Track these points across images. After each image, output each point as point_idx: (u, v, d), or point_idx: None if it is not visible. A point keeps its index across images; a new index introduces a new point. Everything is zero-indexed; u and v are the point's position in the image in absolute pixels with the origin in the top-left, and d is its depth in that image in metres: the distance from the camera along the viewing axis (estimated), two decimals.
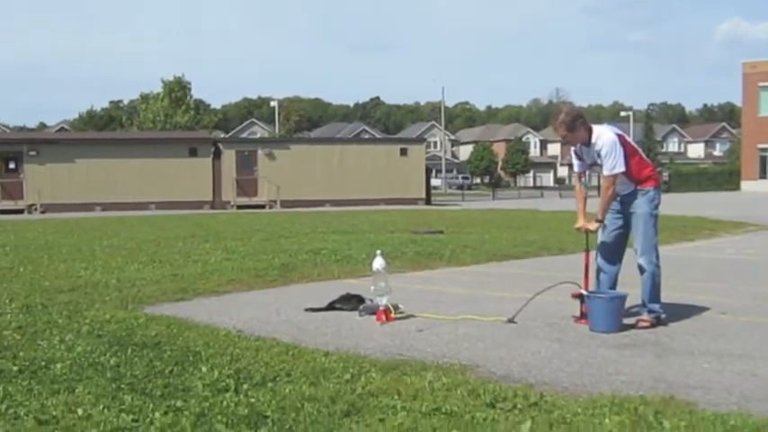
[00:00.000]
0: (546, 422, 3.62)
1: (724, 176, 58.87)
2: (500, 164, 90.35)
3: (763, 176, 52.74)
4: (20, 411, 3.83)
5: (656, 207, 6.22)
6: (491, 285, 8.52)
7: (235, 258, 10.98)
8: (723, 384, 4.36)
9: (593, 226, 6.26)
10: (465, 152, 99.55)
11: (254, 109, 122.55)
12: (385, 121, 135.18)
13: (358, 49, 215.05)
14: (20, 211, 33.19)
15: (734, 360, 4.92)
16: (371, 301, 6.54)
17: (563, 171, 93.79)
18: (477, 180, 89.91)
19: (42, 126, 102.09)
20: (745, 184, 53.01)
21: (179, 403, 3.91)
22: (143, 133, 54.81)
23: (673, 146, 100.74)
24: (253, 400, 3.97)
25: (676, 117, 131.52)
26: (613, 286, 6.32)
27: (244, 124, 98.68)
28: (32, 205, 34.00)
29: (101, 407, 3.87)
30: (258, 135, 78.79)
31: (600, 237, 6.34)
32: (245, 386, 4.23)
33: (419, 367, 4.66)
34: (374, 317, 6.33)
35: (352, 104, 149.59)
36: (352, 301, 6.83)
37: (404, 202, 35.66)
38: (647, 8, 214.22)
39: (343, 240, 13.99)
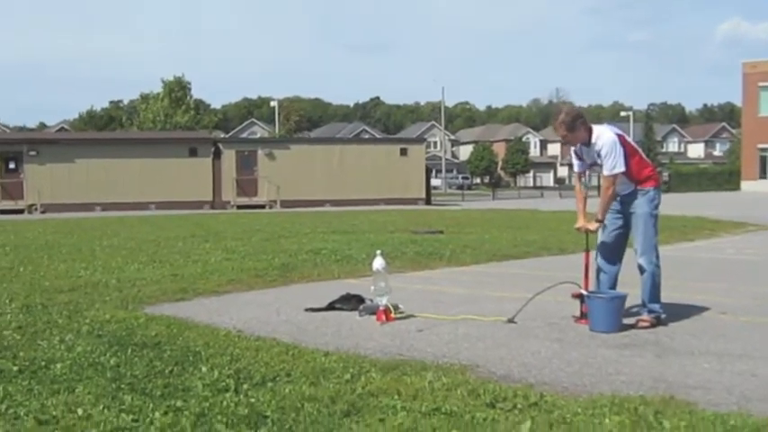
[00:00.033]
0: (546, 422, 3.62)
1: (724, 176, 58.89)
2: (500, 164, 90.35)
3: (763, 176, 52.75)
4: (20, 411, 3.83)
5: (656, 207, 6.22)
6: (491, 285, 8.52)
7: (235, 258, 10.98)
8: (723, 384, 4.36)
9: (593, 226, 6.26)
10: (465, 152, 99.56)
11: (254, 109, 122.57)
12: (385, 121, 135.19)
13: (358, 49, 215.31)
14: (20, 211, 33.20)
15: (734, 360, 4.92)
16: (371, 301, 6.54)
17: (563, 171, 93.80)
18: (477, 180, 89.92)
19: (42, 126, 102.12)
20: (745, 184, 53.02)
21: (179, 403, 3.91)
22: (143, 133, 54.81)
23: (673, 146, 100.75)
24: (253, 400, 3.97)
25: (676, 117, 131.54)
26: (613, 286, 6.32)
27: (244, 124, 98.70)
28: (32, 205, 34.00)
29: (101, 407, 3.87)
30: (258, 135, 78.81)
31: (600, 237, 6.34)
32: (245, 386, 4.23)
33: (419, 367, 4.66)
34: (374, 317, 6.33)
35: (352, 104, 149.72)
36: (352, 301, 6.83)
37: (404, 202, 35.66)
38: (648, 8, 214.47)
39: (343, 240, 13.99)
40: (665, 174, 56.95)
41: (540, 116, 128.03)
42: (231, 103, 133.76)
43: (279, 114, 72.51)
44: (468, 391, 4.10)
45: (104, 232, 17.55)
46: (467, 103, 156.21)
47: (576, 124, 6.11)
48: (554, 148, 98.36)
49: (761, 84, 52.91)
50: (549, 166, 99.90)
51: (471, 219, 22.41)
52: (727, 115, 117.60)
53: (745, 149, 55.22)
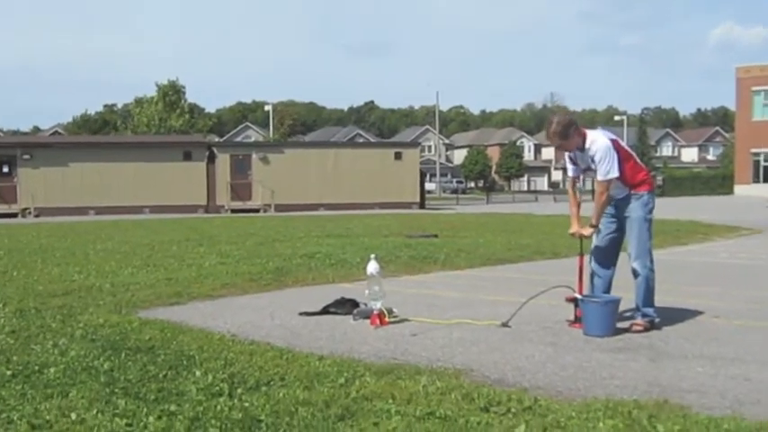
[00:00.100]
0: (540, 426, 3.63)
1: (717, 180, 59.06)
2: (494, 168, 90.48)
3: (756, 180, 52.84)
4: (13, 416, 3.82)
5: (651, 211, 6.24)
6: (485, 289, 8.53)
7: (229, 262, 10.96)
8: (717, 388, 4.37)
9: (587, 231, 6.27)
10: (459, 156, 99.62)
11: (248, 113, 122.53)
12: (379, 125, 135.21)
13: (352, 53, 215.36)
14: (13, 215, 33.10)
15: (727, 364, 4.94)
16: (366, 305, 6.54)
17: (557, 175, 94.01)
18: (472, 184, 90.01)
19: (36, 130, 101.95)
20: (739, 188, 53.10)
21: (173, 407, 3.90)
22: (137, 137, 54.67)
23: (666, 150, 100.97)
24: (247, 404, 3.96)
25: (670, 121, 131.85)
26: (607, 290, 6.33)
27: (238, 128, 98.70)
28: (26, 209, 33.92)
29: (94, 411, 3.86)
30: (252, 139, 78.76)
31: (594, 241, 6.36)
32: (239, 390, 4.22)
33: (413, 371, 4.66)
34: (368, 321, 6.33)
35: (346, 108, 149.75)
36: (346, 306, 6.83)
37: (398, 206, 35.66)
38: (642, 13, 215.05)
39: (337, 244, 13.98)
40: (659, 178, 57.08)
41: (535, 120, 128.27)
42: (225, 107, 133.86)
43: (273, 118, 72.48)
44: (463, 396, 4.11)
45: (98, 236, 17.51)
46: (461, 107, 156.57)
47: (570, 131, 6.12)
48: (548, 153, 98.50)
49: (754, 88, 53.04)
50: (544, 170, 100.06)
51: (466, 223, 22.43)
52: (721, 119, 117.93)
53: (739, 154, 55.34)
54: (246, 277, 9.26)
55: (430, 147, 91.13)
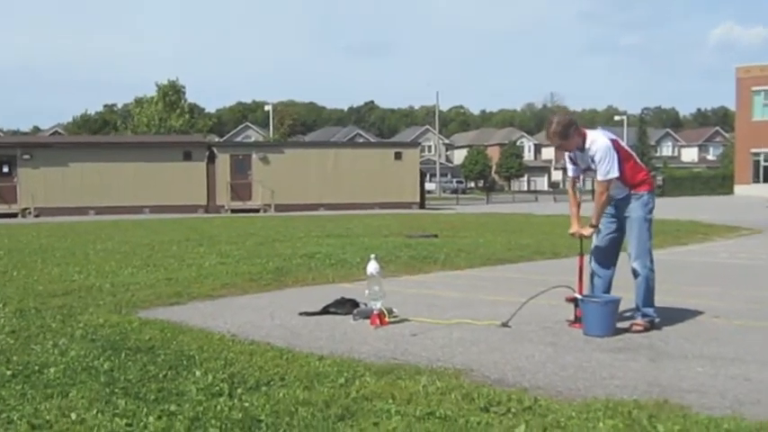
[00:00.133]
0: (540, 426, 3.63)
1: (717, 180, 59.05)
2: (494, 168, 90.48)
3: (756, 180, 52.85)
4: (13, 416, 3.82)
5: (651, 211, 6.24)
6: (485, 289, 8.53)
7: (229, 262, 10.96)
8: (717, 388, 4.37)
9: (587, 231, 6.27)
10: (459, 156, 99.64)
11: (248, 113, 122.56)
12: (379, 125, 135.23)
13: (352, 53, 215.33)
14: (13, 215, 33.11)
15: (727, 364, 4.94)
16: (366, 305, 6.54)
17: (557, 175, 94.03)
18: (472, 184, 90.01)
19: (36, 130, 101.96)
20: (739, 188, 53.11)
21: (173, 407, 3.90)
22: (137, 137, 54.66)
23: (666, 150, 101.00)
24: (247, 404, 3.97)
25: (670, 121, 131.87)
26: (608, 290, 6.33)
27: (238, 128, 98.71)
28: (26, 209, 33.92)
29: (94, 411, 3.86)
30: (252, 139, 78.77)
31: (594, 241, 6.36)
32: (239, 390, 4.22)
33: (413, 371, 4.66)
34: (368, 321, 6.33)
35: (346, 108, 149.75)
36: (346, 306, 6.83)
37: (398, 206, 35.65)
38: (642, 12, 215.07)
39: (337, 244, 13.98)
40: (659, 178, 57.08)
41: (535, 120, 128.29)
42: (225, 107, 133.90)
43: (273, 118, 72.49)
44: (463, 396, 4.11)
45: (98, 236, 17.51)
46: (461, 107, 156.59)
47: (570, 132, 6.12)
48: (548, 152, 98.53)
49: (754, 88, 53.04)
50: (544, 170, 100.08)
51: (466, 223, 22.43)
52: (721, 119, 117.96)
53: (739, 154, 55.34)
54: (246, 277, 9.26)
55: (430, 147, 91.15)
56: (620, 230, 6.30)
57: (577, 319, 6.09)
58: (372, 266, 6.44)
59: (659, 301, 6.33)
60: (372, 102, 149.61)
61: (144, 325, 6.24)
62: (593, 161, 6.08)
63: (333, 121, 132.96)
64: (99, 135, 69.49)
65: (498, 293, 8.10)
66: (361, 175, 36.68)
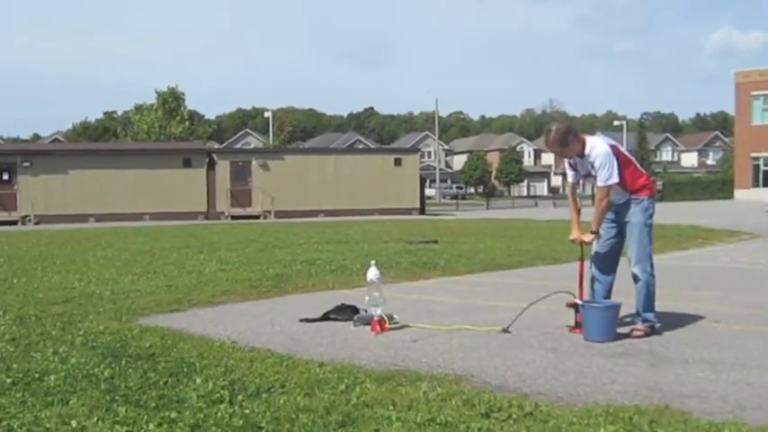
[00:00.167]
0: None
1: (717, 185, 59.06)
2: (494, 173, 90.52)
3: (756, 185, 52.89)
4: (13, 424, 3.82)
5: (651, 216, 6.24)
6: (485, 295, 8.52)
7: (229, 269, 10.96)
8: (718, 393, 4.36)
9: (588, 237, 6.28)
10: (459, 162, 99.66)
11: (248, 119, 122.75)
12: (379, 132, 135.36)
13: (352, 59, 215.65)
14: (13, 223, 33.12)
15: (728, 369, 4.93)
16: (366, 311, 6.54)
17: (557, 180, 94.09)
18: (472, 190, 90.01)
19: (36, 137, 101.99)
20: (739, 193, 53.16)
21: (173, 415, 3.90)
22: (137, 144, 54.73)
23: (666, 155, 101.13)
24: (247, 411, 3.96)
25: (669, 126, 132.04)
26: (608, 295, 6.33)
27: (238, 135, 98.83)
28: (26, 216, 33.93)
29: (95, 419, 3.85)
30: (252, 145, 78.91)
31: (594, 246, 6.36)
32: (240, 397, 4.22)
33: (414, 378, 4.65)
34: (369, 327, 6.33)
35: (345, 115, 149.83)
36: (346, 312, 6.82)
37: (398, 212, 35.66)
38: (641, 18, 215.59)
39: (337, 251, 13.98)
40: (659, 183, 57.09)
41: (534, 126, 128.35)
42: (225, 114, 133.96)
43: (273, 125, 72.56)
44: (463, 402, 4.10)
45: (98, 243, 17.51)
46: (461, 112, 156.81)
47: (568, 139, 6.13)
48: (548, 158, 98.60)
49: (753, 93, 53.12)
50: (543, 175, 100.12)
51: (465, 228, 22.43)
52: (720, 124, 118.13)
53: (738, 158, 55.40)
54: (247, 284, 9.26)
55: (429, 153, 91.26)
56: (621, 236, 6.30)
57: (578, 325, 6.09)
58: (372, 273, 6.44)
59: (660, 306, 6.33)
60: (372, 108, 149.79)
61: (144, 332, 6.24)
62: (592, 167, 6.09)
63: (332, 127, 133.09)
64: (99, 142, 69.48)
65: (498, 299, 8.10)
66: (360, 182, 36.69)
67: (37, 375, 4.75)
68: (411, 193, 37.84)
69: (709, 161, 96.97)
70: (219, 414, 3.90)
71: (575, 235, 6.38)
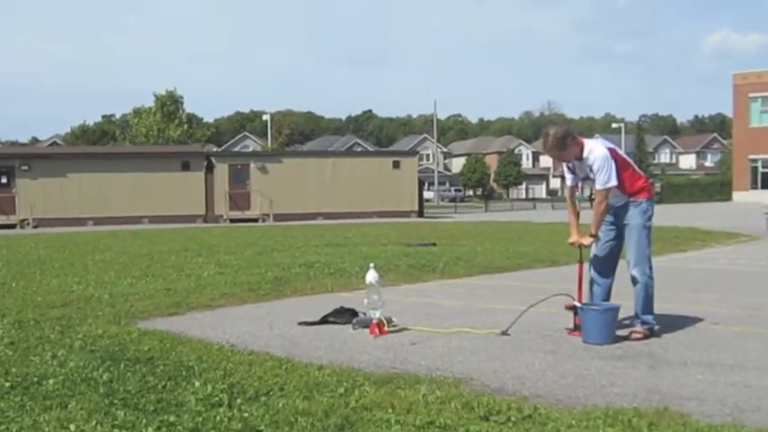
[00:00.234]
0: None
1: (715, 187, 59.08)
2: (492, 176, 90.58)
3: (754, 187, 52.89)
4: (12, 428, 3.81)
5: (650, 219, 6.25)
6: (484, 298, 8.52)
7: (228, 272, 10.96)
8: (716, 395, 4.37)
9: (587, 241, 6.28)
10: (457, 164, 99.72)
11: (246, 123, 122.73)
12: (377, 134, 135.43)
13: (350, 62, 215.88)
14: (12, 226, 33.06)
15: (727, 371, 4.93)
16: (365, 314, 6.54)
17: (555, 183, 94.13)
18: (470, 192, 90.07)
19: (34, 141, 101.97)
20: (737, 195, 53.16)
21: (172, 418, 3.89)
22: (135, 147, 54.63)
23: (664, 157, 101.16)
24: (246, 414, 3.96)
25: (668, 128, 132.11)
26: (607, 298, 6.33)
27: (236, 138, 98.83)
28: (25, 220, 33.89)
29: (93, 422, 3.85)
30: (251, 149, 78.82)
31: (593, 249, 6.36)
32: (239, 401, 4.22)
33: (413, 380, 4.65)
34: (367, 330, 6.32)
35: (344, 117, 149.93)
36: (345, 315, 6.82)
37: (396, 214, 35.64)
38: (638, 20, 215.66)
39: (336, 253, 13.98)
40: (657, 185, 57.11)
41: (532, 128, 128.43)
42: (223, 117, 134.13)
43: (271, 128, 72.57)
44: (462, 405, 4.10)
45: (97, 247, 17.50)
46: (459, 115, 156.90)
47: (566, 143, 6.13)
48: (546, 160, 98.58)
49: (751, 95, 53.14)
50: (542, 177, 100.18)
51: (464, 231, 22.43)
52: (718, 126, 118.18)
53: (737, 160, 55.41)
54: (245, 287, 9.25)
55: (428, 155, 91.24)
56: (620, 238, 6.31)
57: (577, 327, 6.09)
58: (371, 275, 6.45)
59: (658, 308, 6.33)
60: (370, 111, 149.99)
61: (143, 336, 6.24)
62: (591, 170, 6.09)
63: (331, 130, 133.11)
64: (97, 146, 69.46)
65: (497, 302, 8.10)
66: (359, 184, 36.67)
67: (35, 379, 4.74)
68: (409, 195, 37.82)
69: (708, 163, 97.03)
70: (218, 417, 3.90)
71: (574, 238, 6.38)
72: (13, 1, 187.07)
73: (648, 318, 6.13)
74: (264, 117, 73.71)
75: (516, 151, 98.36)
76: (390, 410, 3.99)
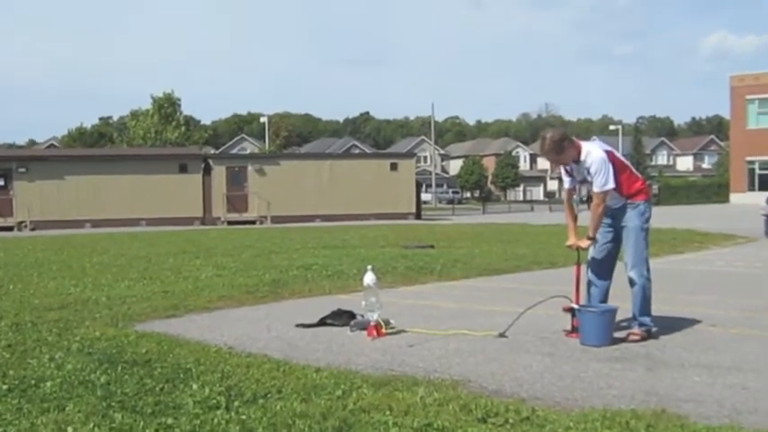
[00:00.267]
0: None
1: (713, 189, 59.19)
2: (490, 178, 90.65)
3: (751, 189, 52.94)
4: (9, 430, 3.81)
5: (647, 221, 6.26)
6: (482, 300, 8.52)
7: (225, 274, 10.96)
8: (714, 397, 4.37)
9: (584, 243, 6.28)
10: (455, 166, 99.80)
11: (244, 125, 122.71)
12: (375, 136, 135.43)
13: (348, 64, 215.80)
14: (9, 229, 33.02)
15: (724, 372, 4.94)
16: (362, 316, 6.54)
17: (553, 185, 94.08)
18: (468, 194, 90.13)
19: (32, 143, 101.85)
20: (734, 197, 53.24)
21: (170, 421, 3.89)
22: (133, 150, 54.60)
23: (662, 159, 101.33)
24: (244, 417, 3.96)
25: (665, 130, 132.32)
26: (604, 300, 6.33)
27: (234, 140, 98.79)
28: (22, 222, 33.84)
29: (91, 425, 3.85)
30: (248, 151, 78.87)
31: (591, 251, 6.36)
32: (236, 403, 4.21)
33: (410, 383, 4.65)
34: (365, 332, 6.32)
35: (341, 120, 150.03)
36: (343, 317, 6.82)
37: (394, 216, 35.64)
38: (636, 22, 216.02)
39: (333, 256, 13.98)
40: (655, 187, 57.17)
41: (530, 130, 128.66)
42: (221, 119, 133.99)
43: (269, 130, 72.58)
44: (460, 407, 4.10)
45: (94, 249, 17.48)
46: (456, 117, 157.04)
47: (564, 146, 6.14)
48: (544, 162, 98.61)
49: (748, 97, 53.23)
50: (539, 179, 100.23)
51: (462, 233, 22.44)
52: (716, 128, 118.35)
53: (734, 162, 55.50)
54: (243, 289, 9.25)
55: (426, 157, 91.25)
56: (617, 240, 6.31)
57: (574, 329, 6.09)
58: (369, 277, 6.44)
59: (656, 310, 6.34)
60: (368, 113, 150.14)
61: (140, 338, 6.23)
62: (588, 173, 6.09)
63: (328, 132, 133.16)
64: (95, 148, 69.38)
65: (495, 304, 8.10)
66: (356, 187, 36.67)
67: (33, 382, 4.74)
68: (407, 197, 37.82)
69: (705, 165, 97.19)
70: (216, 420, 3.89)
71: (571, 241, 6.39)
72: (13, 1, 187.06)
73: (646, 320, 6.13)
74: (262, 119, 73.73)
75: (514, 153, 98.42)
76: (388, 412, 3.99)
